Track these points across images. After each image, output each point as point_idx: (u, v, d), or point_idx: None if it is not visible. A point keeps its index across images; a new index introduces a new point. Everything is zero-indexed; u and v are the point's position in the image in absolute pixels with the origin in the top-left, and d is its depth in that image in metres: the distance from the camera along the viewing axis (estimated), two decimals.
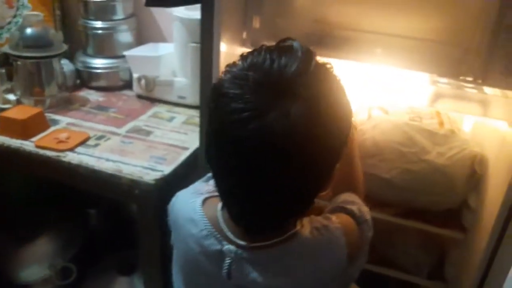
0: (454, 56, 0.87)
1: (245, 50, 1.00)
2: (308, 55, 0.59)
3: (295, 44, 0.60)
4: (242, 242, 0.67)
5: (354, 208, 0.77)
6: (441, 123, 1.04)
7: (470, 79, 0.87)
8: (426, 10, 0.87)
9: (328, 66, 0.63)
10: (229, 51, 0.97)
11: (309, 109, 0.55)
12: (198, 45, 1.35)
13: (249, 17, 0.98)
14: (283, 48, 0.60)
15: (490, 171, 0.97)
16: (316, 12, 0.96)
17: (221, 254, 0.68)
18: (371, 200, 1.09)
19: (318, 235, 0.68)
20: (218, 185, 0.65)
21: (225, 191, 0.65)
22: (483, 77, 0.86)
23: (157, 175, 1.09)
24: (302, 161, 0.56)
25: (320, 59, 0.62)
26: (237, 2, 0.95)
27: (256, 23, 0.98)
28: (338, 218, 0.73)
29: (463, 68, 0.87)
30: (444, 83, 0.92)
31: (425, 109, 1.08)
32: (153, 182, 1.07)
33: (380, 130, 1.04)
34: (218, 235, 0.69)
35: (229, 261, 0.67)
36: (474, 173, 1.00)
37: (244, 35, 0.99)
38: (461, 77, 0.88)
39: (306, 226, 0.69)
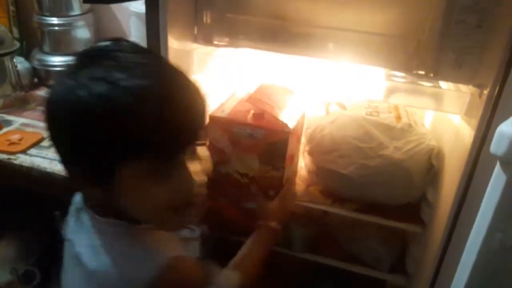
0: (406, 50, 0.86)
1: (198, 46, 0.99)
2: None
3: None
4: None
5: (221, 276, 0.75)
6: (399, 117, 1.04)
7: (422, 72, 0.86)
8: (377, 2, 0.86)
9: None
10: (181, 47, 0.94)
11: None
12: None
13: (199, 11, 0.95)
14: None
15: (446, 165, 0.96)
16: (268, 7, 0.93)
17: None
18: (331, 196, 1.09)
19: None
20: None
21: None
22: (435, 70, 0.85)
23: None
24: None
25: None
26: None
27: (207, 18, 0.95)
28: (185, 260, 0.66)
29: (415, 61, 0.86)
30: (398, 77, 0.91)
31: (383, 103, 1.08)
32: None
33: (338, 126, 1.03)
34: None
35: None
36: (431, 167, 1.00)
37: (196, 30, 0.96)
38: (413, 71, 0.87)
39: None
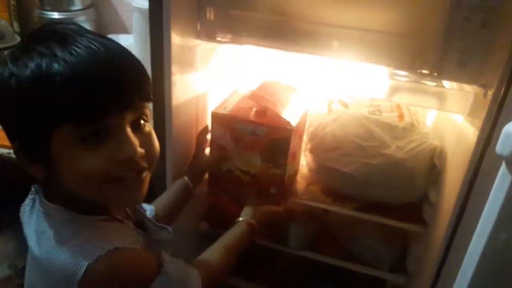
0: (410, 49, 0.85)
1: (201, 42, 0.98)
2: None
3: None
4: None
5: (171, 266, 0.71)
6: (401, 116, 1.03)
7: (426, 72, 0.86)
8: (380, 1, 0.85)
9: None
10: (183, 44, 0.93)
11: None
12: None
13: (202, 7, 0.94)
14: None
15: (448, 164, 0.96)
16: (272, 4, 0.93)
17: None
18: (332, 194, 1.09)
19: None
20: None
21: None
22: (439, 70, 0.84)
23: None
24: None
25: None
26: None
27: (211, 15, 0.94)
28: (126, 251, 0.62)
29: (419, 61, 0.85)
30: (401, 76, 0.91)
31: (385, 102, 1.07)
32: None
33: (340, 124, 1.03)
34: None
35: None
36: (433, 167, 1.00)
37: (199, 26, 0.96)
38: (417, 70, 0.87)
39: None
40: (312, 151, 1.07)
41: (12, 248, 1.53)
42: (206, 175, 1.05)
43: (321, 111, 1.09)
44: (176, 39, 0.90)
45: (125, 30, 1.61)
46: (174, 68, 0.90)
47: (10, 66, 0.57)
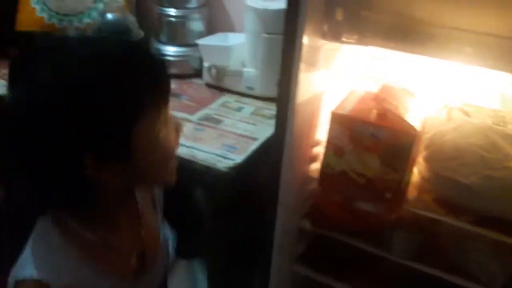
0: None
1: (326, 42, 1.00)
2: None
3: None
4: None
5: None
6: None
7: None
8: None
9: None
10: (309, 43, 0.95)
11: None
12: (271, 36, 1.35)
13: (331, 8, 0.95)
14: None
15: None
16: (402, 5, 0.92)
17: None
18: (445, 205, 1.05)
19: None
20: None
21: None
22: None
23: (229, 163, 1.10)
24: None
25: None
26: None
27: (339, 15, 0.95)
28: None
29: None
30: None
31: (509, 113, 1.02)
32: (226, 169, 1.08)
33: (461, 133, 0.99)
34: None
35: None
36: None
37: (326, 27, 0.97)
38: None
39: None
40: (428, 159, 1.05)
41: None
42: (318, 174, 1.06)
43: (438, 117, 1.06)
44: (305, 40, 0.92)
45: (231, 29, 1.67)
46: (301, 68, 0.92)
47: (49, 89, 0.59)
